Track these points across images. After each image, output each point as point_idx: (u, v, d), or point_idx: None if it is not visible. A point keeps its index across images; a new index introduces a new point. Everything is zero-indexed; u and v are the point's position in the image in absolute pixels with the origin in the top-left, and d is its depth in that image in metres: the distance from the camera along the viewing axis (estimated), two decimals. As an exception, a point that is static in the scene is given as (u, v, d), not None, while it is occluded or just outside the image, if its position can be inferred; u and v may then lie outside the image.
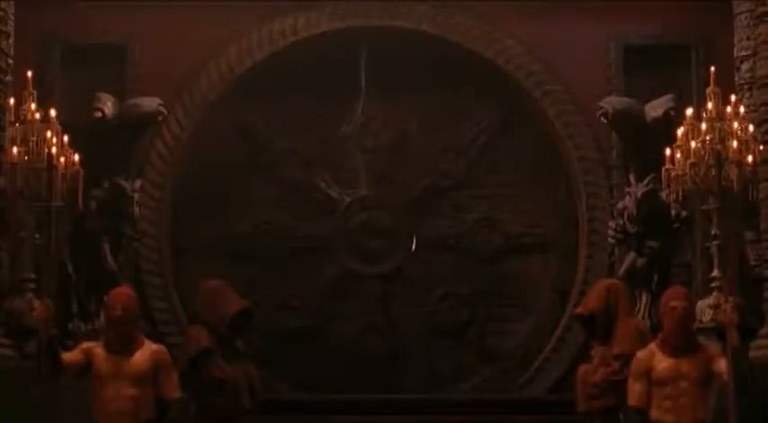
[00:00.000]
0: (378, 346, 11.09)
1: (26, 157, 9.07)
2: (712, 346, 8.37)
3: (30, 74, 9.22)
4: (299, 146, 11.28)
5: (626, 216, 10.46)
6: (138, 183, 10.45)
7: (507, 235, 11.28)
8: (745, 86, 9.93)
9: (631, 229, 10.40)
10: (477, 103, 11.34)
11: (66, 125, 9.25)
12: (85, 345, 8.20)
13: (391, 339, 11.12)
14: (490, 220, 11.30)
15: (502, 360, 11.13)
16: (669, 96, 10.37)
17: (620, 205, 10.60)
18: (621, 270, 10.42)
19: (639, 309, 10.12)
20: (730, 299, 8.01)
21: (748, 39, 9.93)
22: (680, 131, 9.39)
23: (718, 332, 8.75)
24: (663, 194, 9.88)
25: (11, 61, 9.59)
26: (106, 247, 10.21)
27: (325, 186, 11.23)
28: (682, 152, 9.32)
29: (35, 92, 9.21)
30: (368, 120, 11.29)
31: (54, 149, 8.91)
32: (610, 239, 10.68)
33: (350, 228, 11.11)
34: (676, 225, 10.24)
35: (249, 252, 11.13)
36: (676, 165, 9.34)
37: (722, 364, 7.83)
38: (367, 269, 11.09)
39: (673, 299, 8.12)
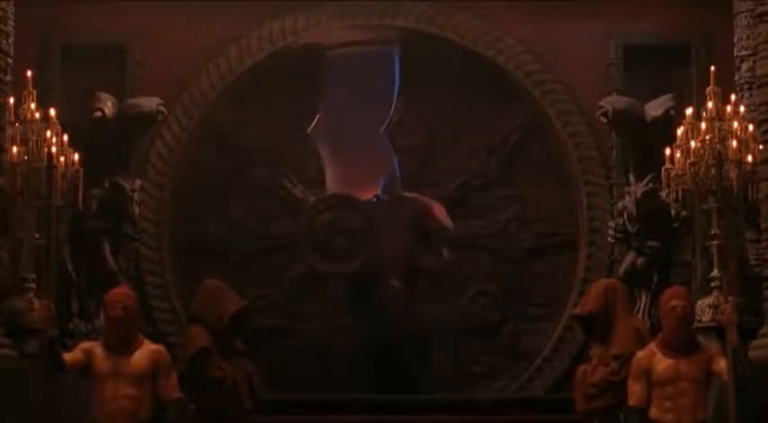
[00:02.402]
0: (344, 346, 10.97)
1: (26, 157, 9.06)
2: (712, 346, 8.37)
3: (30, 74, 9.21)
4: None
5: (626, 215, 10.46)
6: (138, 183, 10.45)
7: (538, 235, 11.21)
8: (745, 86, 9.93)
9: (631, 228, 10.41)
10: (508, 102, 11.28)
11: (66, 125, 9.25)
12: (85, 344, 8.22)
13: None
14: (521, 219, 11.25)
15: (532, 359, 11.06)
16: (669, 96, 10.38)
17: (619, 205, 10.61)
18: (621, 270, 10.43)
19: (639, 309, 10.12)
20: (730, 298, 8.01)
21: (748, 38, 9.93)
22: (680, 131, 9.39)
23: (718, 332, 8.75)
24: (663, 194, 9.87)
25: (11, 61, 9.59)
26: (106, 246, 10.22)
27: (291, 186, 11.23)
28: (681, 152, 9.31)
29: (35, 92, 9.20)
30: (400, 120, 11.31)
31: (54, 149, 8.91)
32: (609, 239, 10.69)
33: (316, 227, 11.06)
34: (676, 225, 10.24)
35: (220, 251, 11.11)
36: (676, 164, 9.34)
37: (722, 364, 7.83)
38: (333, 268, 10.99)
39: (672, 298, 8.13)
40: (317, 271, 11.02)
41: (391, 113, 11.31)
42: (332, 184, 11.22)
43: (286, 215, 11.20)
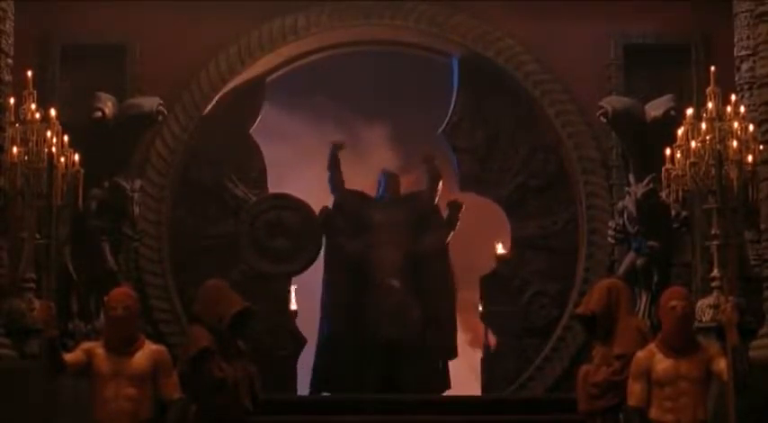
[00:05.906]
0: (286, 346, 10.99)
1: (26, 157, 9.07)
2: (712, 346, 8.36)
3: (30, 74, 9.22)
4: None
5: (626, 216, 10.47)
6: (138, 183, 10.46)
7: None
8: (745, 86, 9.95)
9: (631, 228, 10.41)
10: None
11: (66, 125, 9.25)
12: (86, 344, 8.19)
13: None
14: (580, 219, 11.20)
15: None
16: (669, 96, 10.40)
17: (619, 205, 10.61)
18: (621, 270, 10.44)
19: (639, 308, 10.13)
20: (730, 298, 8.01)
21: (748, 38, 9.94)
22: (680, 131, 9.40)
23: (718, 332, 8.75)
24: (663, 194, 9.88)
25: (11, 61, 9.59)
26: (106, 247, 10.22)
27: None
28: (682, 152, 9.33)
29: (35, 92, 9.20)
30: (459, 120, 11.34)
31: (54, 149, 8.92)
32: (609, 239, 10.68)
33: (257, 227, 10.96)
34: (676, 225, 10.25)
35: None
36: (676, 164, 9.35)
37: (722, 364, 7.83)
38: (274, 268, 10.92)
39: (672, 298, 8.11)
40: (259, 271, 10.93)
41: (449, 114, 11.33)
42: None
43: (227, 215, 11.17)
